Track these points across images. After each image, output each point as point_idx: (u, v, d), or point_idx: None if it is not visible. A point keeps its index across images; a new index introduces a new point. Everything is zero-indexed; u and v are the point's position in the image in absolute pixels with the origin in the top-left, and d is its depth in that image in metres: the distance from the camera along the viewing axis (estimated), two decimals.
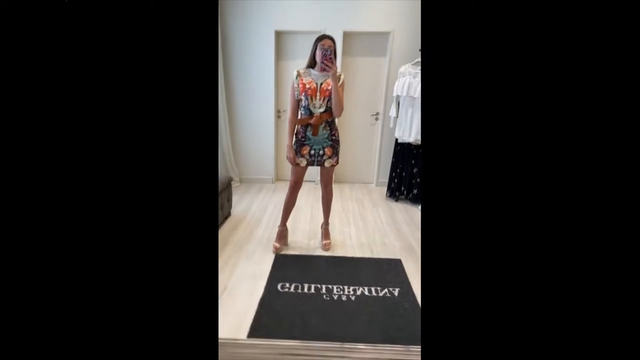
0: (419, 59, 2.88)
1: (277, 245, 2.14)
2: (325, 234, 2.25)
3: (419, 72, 2.81)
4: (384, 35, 3.20)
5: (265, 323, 1.45)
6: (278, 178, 3.76)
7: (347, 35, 3.20)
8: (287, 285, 1.77)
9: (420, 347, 1.28)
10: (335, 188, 2.28)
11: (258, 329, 1.42)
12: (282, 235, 2.19)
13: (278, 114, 3.54)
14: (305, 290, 1.73)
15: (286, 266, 1.96)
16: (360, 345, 1.25)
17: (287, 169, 3.70)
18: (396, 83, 2.95)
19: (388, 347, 1.25)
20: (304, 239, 2.35)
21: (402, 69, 2.92)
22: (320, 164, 2.00)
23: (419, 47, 3.02)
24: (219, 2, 3.07)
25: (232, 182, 2.94)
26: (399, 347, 1.25)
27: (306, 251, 2.17)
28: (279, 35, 3.27)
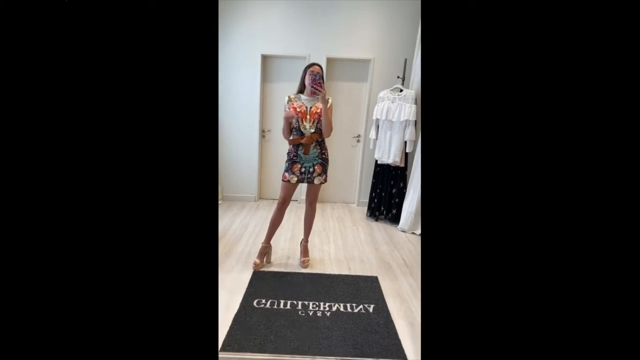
0: (397, 85, 3.04)
1: (257, 261, 2.14)
2: (305, 251, 2.28)
3: (397, 97, 2.96)
4: (365, 62, 3.37)
5: (238, 338, 1.45)
6: (261, 196, 3.79)
7: (330, 61, 3.36)
8: (263, 301, 1.77)
9: None
10: (317, 207, 2.32)
11: (230, 344, 1.41)
12: (265, 252, 2.20)
13: (263, 133, 3.62)
14: (281, 306, 1.74)
15: (263, 282, 1.97)
16: (331, 359, 1.27)
17: (270, 187, 3.75)
18: (376, 107, 3.09)
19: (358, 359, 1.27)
20: (284, 256, 2.36)
21: (381, 94, 3.06)
22: (310, 181, 2.08)
23: (397, 74, 3.19)
24: None
25: None
26: None
27: (285, 268, 2.18)
28: (265, 58, 3.40)
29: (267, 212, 3.30)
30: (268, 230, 2.18)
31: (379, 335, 1.54)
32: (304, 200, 2.24)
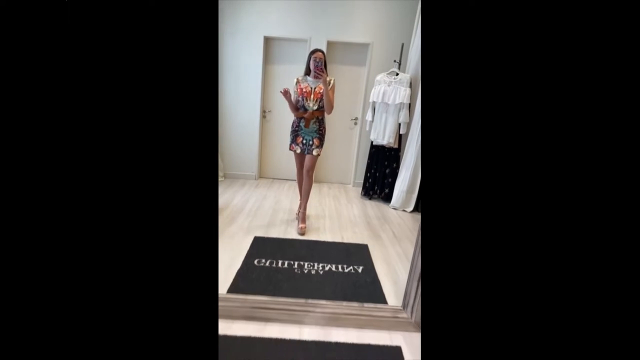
0: (394, 69, 3.17)
1: (303, 225, 2.45)
2: (302, 218, 2.49)
3: (393, 80, 3.10)
4: (364, 46, 3.49)
5: (241, 287, 1.64)
6: (261, 175, 3.95)
7: (331, 44, 3.47)
8: (263, 260, 1.96)
9: (373, 304, 1.50)
10: (314, 187, 2.57)
11: (234, 290, 1.60)
12: (305, 217, 2.50)
13: (263, 114, 3.76)
14: (279, 265, 1.92)
15: (264, 246, 2.16)
16: (322, 301, 1.46)
17: (270, 167, 3.92)
18: (372, 90, 3.23)
19: (345, 303, 1.46)
20: (282, 225, 2.54)
21: (378, 77, 3.20)
22: (309, 152, 2.39)
23: (394, 59, 3.31)
24: None
25: None
26: (354, 304, 1.46)
27: (284, 236, 2.36)
28: (267, 40, 3.51)
29: (266, 190, 3.47)
30: (303, 198, 2.48)
31: (366, 290, 1.73)
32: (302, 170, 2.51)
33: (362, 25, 3.41)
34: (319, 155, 2.41)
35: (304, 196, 2.48)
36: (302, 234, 2.40)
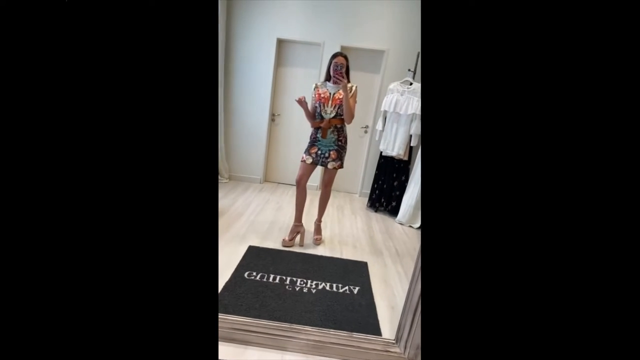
0: (407, 78, 3.04)
1: (286, 238, 2.27)
2: (317, 229, 2.42)
3: (406, 90, 2.97)
4: (379, 53, 3.37)
5: (225, 303, 1.54)
6: (266, 179, 3.87)
7: (344, 49, 3.36)
8: (254, 274, 1.86)
9: (362, 335, 1.38)
10: (318, 195, 2.44)
11: (218, 307, 1.51)
12: (296, 231, 2.31)
13: (272, 117, 3.68)
14: (270, 280, 1.82)
15: (257, 257, 2.06)
16: (308, 328, 1.34)
17: (276, 171, 3.84)
18: (385, 99, 3.11)
19: (332, 332, 1.34)
20: (280, 235, 2.44)
21: (391, 86, 3.08)
22: (324, 164, 2.20)
23: (409, 67, 3.19)
24: (225, 4, 3.25)
25: (219, 177, 3.05)
26: (342, 333, 1.35)
27: (280, 246, 2.26)
28: (280, 42, 3.44)
29: (269, 195, 3.39)
30: (296, 211, 2.30)
31: (359, 315, 1.61)
32: (314, 186, 2.38)
33: (378, 32, 3.29)
34: (335, 169, 2.20)
35: (320, 209, 2.40)
36: (318, 244, 2.36)
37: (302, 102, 2.09)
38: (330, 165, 2.19)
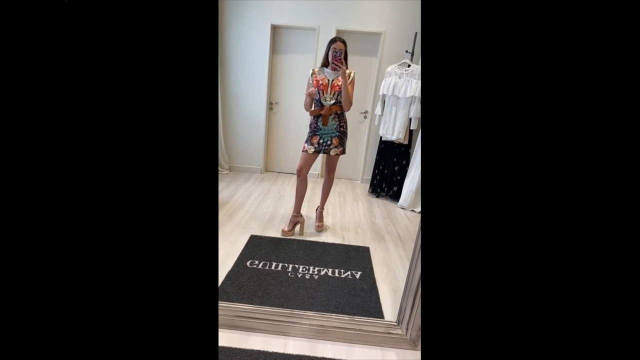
0: (405, 60, 2.98)
1: (285, 229, 2.25)
2: (320, 216, 2.41)
3: (404, 72, 2.92)
4: (376, 35, 3.30)
5: (228, 291, 1.56)
6: (267, 169, 3.86)
7: (340, 33, 3.30)
8: (256, 262, 1.87)
9: (364, 317, 1.39)
10: (321, 181, 2.43)
11: (220, 295, 1.52)
12: (295, 222, 2.30)
13: (270, 106, 3.65)
14: (273, 267, 1.83)
15: (259, 246, 2.07)
16: (310, 313, 1.35)
17: (276, 160, 3.82)
18: (383, 82, 3.06)
19: (335, 316, 1.35)
20: (281, 224, 2.45)
21: (388, 69, 3.02)
22: (327, 151, 2.18)
23: (406, 49, 3.12)
24: None
25: (220, 169, 3.05)
26: (344, 317, 1.36)
27: (281, 234, 2.27)
28: (274, 29, 3.38)
29: (270, 184, 3.38)
30: (295, 201, 2.28)
31: (362, 299, 1.61)
32: (324, 170, 2.36)
33: (374, 14, 3.22)
34: (338, 155, 2.19)
35: (323, 196, 2.39)
36: (320, 231, 2.36)
37: (312, 94, 2.06)
38: (332, 152, 2.17)
